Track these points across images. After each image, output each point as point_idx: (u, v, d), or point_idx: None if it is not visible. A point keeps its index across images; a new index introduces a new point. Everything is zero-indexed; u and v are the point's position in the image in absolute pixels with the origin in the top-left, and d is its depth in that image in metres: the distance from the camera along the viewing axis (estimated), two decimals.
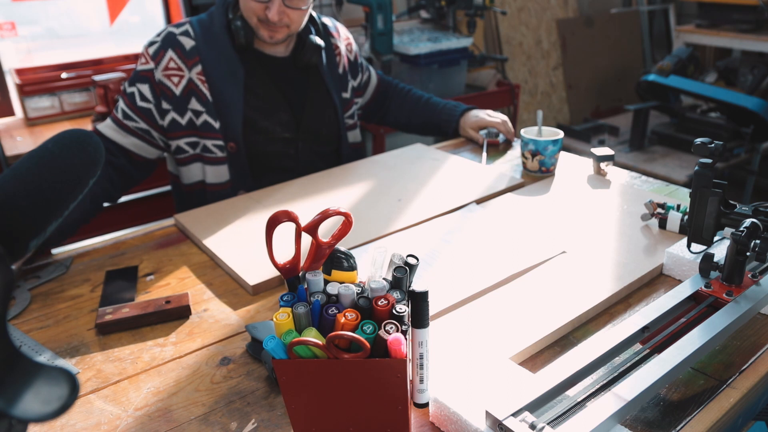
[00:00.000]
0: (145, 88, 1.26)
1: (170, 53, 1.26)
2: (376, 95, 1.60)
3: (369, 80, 1.58)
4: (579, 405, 0.60)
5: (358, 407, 0.59)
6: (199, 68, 1.26)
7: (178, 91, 1.26)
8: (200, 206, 1.20)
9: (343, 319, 0.56)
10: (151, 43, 1.28)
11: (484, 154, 1.40)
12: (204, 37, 1.28)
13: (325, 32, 1.43)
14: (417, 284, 0.61)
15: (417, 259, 0.62)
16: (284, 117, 1.35)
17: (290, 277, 0.62)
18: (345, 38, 1.49)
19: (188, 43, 1.27)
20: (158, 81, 1.26)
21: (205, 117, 1.28)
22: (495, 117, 1.49)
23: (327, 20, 1.46)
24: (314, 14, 1.42)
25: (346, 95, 1.47)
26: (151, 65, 1.26)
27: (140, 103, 1.26)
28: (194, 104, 1.27)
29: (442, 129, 1.55)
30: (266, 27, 1.26)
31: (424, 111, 1.56)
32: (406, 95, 1.60)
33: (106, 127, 1.28)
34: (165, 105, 1.27)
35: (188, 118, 1.28)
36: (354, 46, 1.52)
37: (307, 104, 1.38)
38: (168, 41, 1.27)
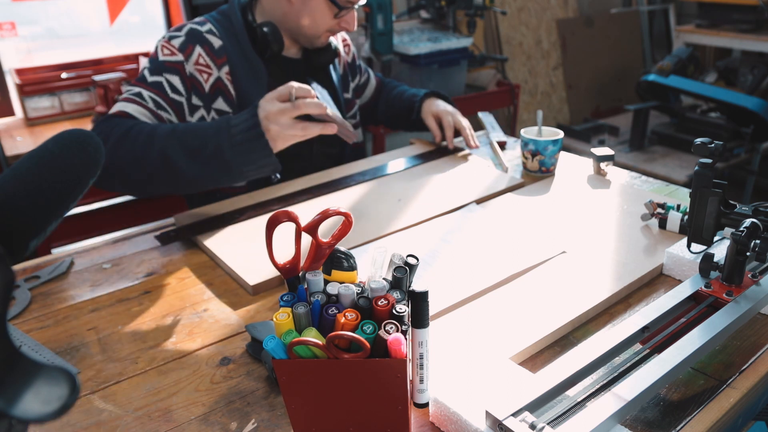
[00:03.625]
0: (175, 80, 1.20)
1: (199, 49, 1.22)
2: (375, 96, 1.60)
3: (368, 82, 1.58)
4: (579, 405, 0.60)
5: (358, 407, 0.59)
6: (227, 68, 1.24)
7: (207, 87, 1.23)
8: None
9: (343, 319, 0.56)
10: (172, 37, 1.23)
11: (502, 157, 1.38)
12: (228, 38, 1.27)
13: None
14: (417, 284, 0.61)
15: (417, 259, 0.62)
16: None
17: (290, 277, 0.62)
18: (342, 39, 1.49)
19: (216, 42, 1.24)
20: (189, 74, 1.21)
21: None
22: (460, 120, 1.42)
23: None
24: None
25: (348, 95, 1.47)
26: (180, 57, 1.20)
27: (172, 95, 1.20)
28: (220, 104, 1.25)
29: (408, 111, 1.48)
30: (329, 33, 1.29)
31: (399, 100, 1.53)
32: (392, 90, 1.58)
33: (140, 114, 1.15)
34: (195, 100, 1.23)
35: (212, 117, 1.25)
36: (352, 48, 1.52)
37: None
38: (194, 37, 1.23)
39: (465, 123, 1.43)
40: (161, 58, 1.20)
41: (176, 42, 1.22)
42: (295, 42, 1.35)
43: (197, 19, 1.29)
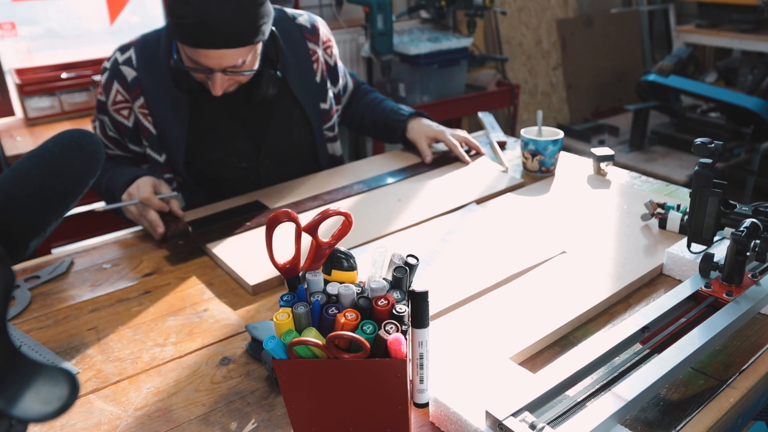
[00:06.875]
0: (106, 120, 1.23)
1: (116, 85, 1.18)
2: (351, 99, 1.49)
3: (347, 86, 1.47)
4: (579, 405, 0.60)
5: (358, 407, 0.59)
6: (141, 101, 1.18)
7: (130, 123, 1.21)
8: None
9: (343, 319, 0.56)
10: (104, 69, 1.21)
11: (502, 157, 1.38)
12: (146, 66, 1.17)
13: (301, 35, 1.29)
14: (417, 284, 0.61)
15: (417, 259, 0.62)
16: (241, 145, 1.26)
17: (290, 277, 0.62)
18: (325, 40, 1.33)
19: (130, 74, 1.17)
20: (111, 116, 1.21)
21: (148, 151, 1.22)
22: (454, 137, 1.37)
23: (303, 21, 1.30)
24: (290, 13, 1.30)
25: (325, 106, 1.34)
26: (104, 98, 1.21)
27: (110, 133, 1.24)
28: (142, 140, 1.22)
29: (390, 128, 1.41)
30: (211, 84, 1.10)
31: (375, 111, 1.44)
32: (365, 95, 1.49)
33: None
34: (124, 137, 1.23)
35: (145, 151, 1.24)
36: (334, 50, 1.37)
37: (270, 127, 1.27)
38: (113, 71, 1.18)
39: (461, 136, 1.39)
40: (98, 97, 1.24)
41: (103, 78, 1.20)
42: None
43: (126, 42, 1.20)
